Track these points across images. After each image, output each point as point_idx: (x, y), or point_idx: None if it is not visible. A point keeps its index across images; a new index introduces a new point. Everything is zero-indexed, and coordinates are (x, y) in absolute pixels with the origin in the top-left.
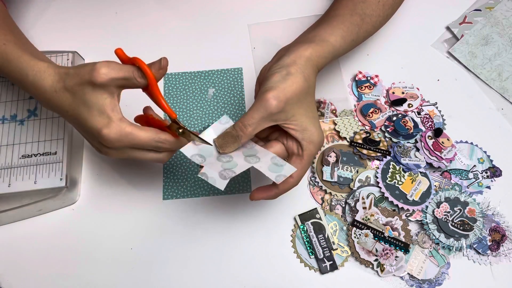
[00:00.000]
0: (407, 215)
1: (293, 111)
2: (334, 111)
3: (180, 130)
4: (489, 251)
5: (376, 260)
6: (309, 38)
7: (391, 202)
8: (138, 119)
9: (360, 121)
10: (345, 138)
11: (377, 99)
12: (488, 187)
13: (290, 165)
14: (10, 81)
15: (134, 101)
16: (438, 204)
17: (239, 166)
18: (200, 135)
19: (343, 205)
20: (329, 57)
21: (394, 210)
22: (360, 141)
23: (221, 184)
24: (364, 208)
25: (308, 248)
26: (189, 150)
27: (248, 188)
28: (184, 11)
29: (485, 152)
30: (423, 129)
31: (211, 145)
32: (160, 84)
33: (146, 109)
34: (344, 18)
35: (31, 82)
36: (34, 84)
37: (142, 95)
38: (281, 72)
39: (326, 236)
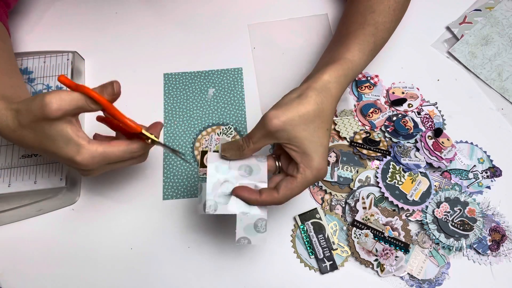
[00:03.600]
0: (407, 215)
1: (295, 133)
2: None
3: (149, 141)
4: (489, 251)
5: (376, 260)
6: (326, 62)
7: (391, 202)
8: (100, 119)
9: (360, 121)
10: (345, 138)
11: (377, 99)
12: (488, 187)
13: (259, 209)
14: None
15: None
16: (438, 204)
17: (229, 205)
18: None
19: (343, 205)
20: (349, 74)
21: (394, 210)
22: (360, 141)
23: (201, 210)
24: (364, 208)
25: (308, 248)
26: (213, 157)
27: None
28: (184, 11)
29: (485, 152)
30: (423, 129)
31: (178, 152)
32: (160, 84)
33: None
34: (357, 32)
35: None
36: None
37: None
38: (292, 94)
39: (326, 236)
